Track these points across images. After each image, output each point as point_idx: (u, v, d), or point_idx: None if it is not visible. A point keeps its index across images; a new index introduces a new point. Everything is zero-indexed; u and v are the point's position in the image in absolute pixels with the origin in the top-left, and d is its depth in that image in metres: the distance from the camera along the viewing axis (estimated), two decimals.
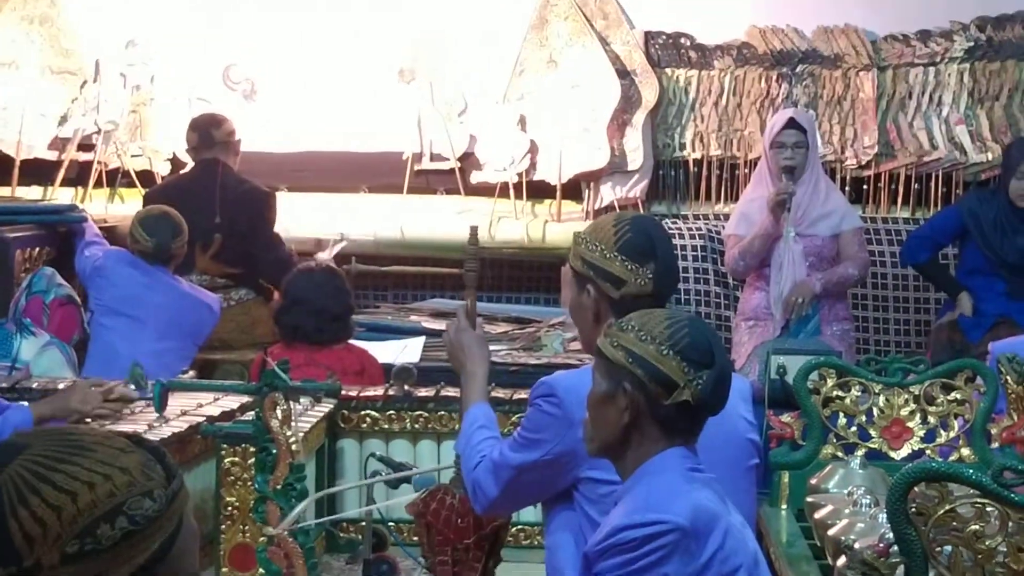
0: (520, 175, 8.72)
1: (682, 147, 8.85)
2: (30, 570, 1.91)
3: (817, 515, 4.21)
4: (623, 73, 8.77)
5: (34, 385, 5.30)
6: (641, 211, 8.43)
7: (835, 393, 4.82)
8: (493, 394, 4.93)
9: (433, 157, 8.89)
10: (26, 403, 4.70)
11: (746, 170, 8.62)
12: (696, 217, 8.63)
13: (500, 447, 3.62)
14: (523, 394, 4.93)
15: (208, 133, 7.57)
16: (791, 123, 7.05)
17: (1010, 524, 2.92)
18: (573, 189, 8.81)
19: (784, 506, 4.75)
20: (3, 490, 1.91)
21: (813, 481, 4.56)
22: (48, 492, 1.92)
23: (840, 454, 4.78)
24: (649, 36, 8.97)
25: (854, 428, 4.83)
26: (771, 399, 5.90)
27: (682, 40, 8.97)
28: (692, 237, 8.26)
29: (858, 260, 7.13)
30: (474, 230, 4.11)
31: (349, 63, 9.02)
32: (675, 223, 8.37)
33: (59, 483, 1.92)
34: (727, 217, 7.80)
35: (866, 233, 7.71)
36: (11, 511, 1.91)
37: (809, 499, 4.42)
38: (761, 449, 3.73)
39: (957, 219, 7.36)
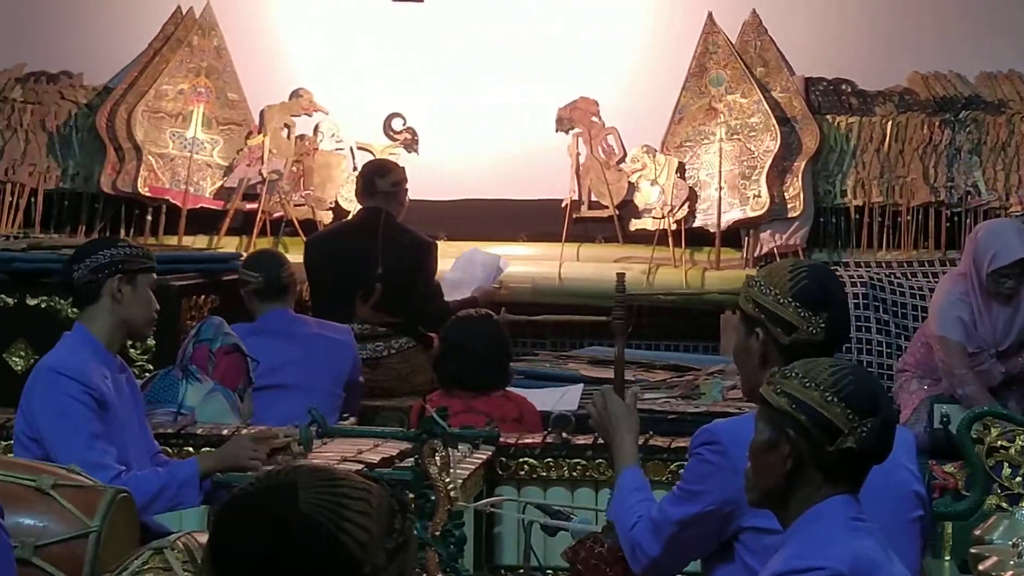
0: (679, 223, 8.70)
1: (843, 194, 8.78)
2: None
3: (981, 567, 4.14)
4: (783, 120, 8.73)
5: (199, 431, 5.37)
6: (801, 258, 8.37)
7: (999, 443, 4.75)
8: (652, 442, 4.92)
9: (591, 205, 8.91)
10: (194, 457, 4.77)
11: (908, 217, 8.53)
12: (858, 264, 8.54)
13: (659, 504, 3.61)
14: (682, 442, 4.90)
15: (371, 181, 7.57)
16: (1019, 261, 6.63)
17: None
18: (732, 236, 8.78)
19: (947, 557, 4.68)
20: (317, 516, 2.07)
21: (977, 532, 4.49)
22: (349, 503, 2.08)
23: (1005, 505, 4.70)
24: (809, 82, 8.92)
25: (1019, 478, 4.75)
26: (934, 449, 5.81)
27: (843, 86, 8.91)
28: (854, 285, 8.16)
29: None
30: (621, 278, 4.09)
31: (507, 111, 9.09)
32: (836, 270, 8.28)
33: (351, 494, 2.09)
34: (888, 265, 7.71)
35: None
36: (337, 528, 2.07)
37: (973, 550, 4.35)
38: (927, 501, 3.67)
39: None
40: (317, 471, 2.15)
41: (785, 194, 8.71)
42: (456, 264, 8.11)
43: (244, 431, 5.25)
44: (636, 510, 3.65)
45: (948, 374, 6.69)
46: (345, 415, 6.06)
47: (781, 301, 3.56)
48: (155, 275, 4.84)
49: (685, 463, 3.74)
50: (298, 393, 6.24)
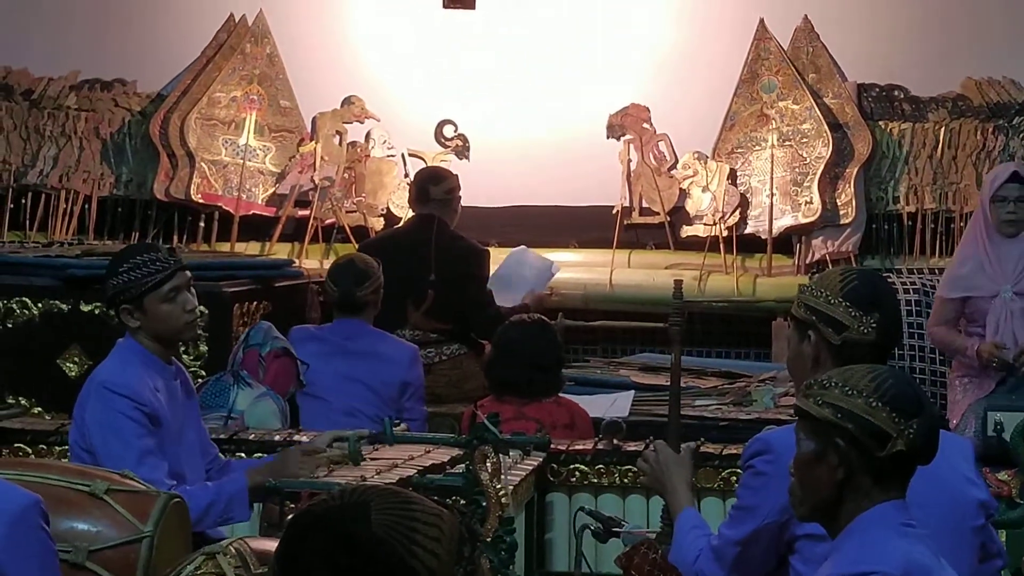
0: (730, 229, 8.69)
1: (896, 200, 8.75)
2: None
3: None
4: (835, 126, 8.70)
5: (251, 436, 5.40)
6: (854, 264, 8.34)
7: None
8: (703, 449, 4.91)
9: (643, 211, 8.91)
10: (243, 472, 4.73)
11: (962, 223, 8.48)
12: (911, 271, 8.50)
13: (718, 531, 3.61)
14: (733, 449, 4.90)
15: (425, 189, 7.58)
16: (1014, 176, 6.89)
17: None
18: (784, 243, 8.75)
19: None
20: (388, 540, 2.08)
21: None
22: (421, 528, 2.10)
23: None
24: (862, 88, 8.89)
25: None
26: (987, 456, 5.77)
27: (896, 92, 8.87)
28: (906, 291, 8.12)
29: None
30: (679, 284, 4.10)
31: (559, 118, 9.09)
32: (889, 277, 8.24)
33: (423, 519, 2.11)
34: (942, 271, 7.67)
35: None
36: (408, 552, 2.08)
37: None
38: (992, 506, 3.64)
39: None
40: (391, 493, 2.16)
41: (837, 200, 8.68)
42: (506, 262, 8.06)
43: (297, 437, 5.27)
44: (696, 544, 3.66)
45: (930, 330, 7.06)
46: (397, 421, 6.06)
47: (832, 301, 3.58)
48: (180, 279, 4.68)
49: (737, 470, 3.74)
50: (335, 411, 6.19)
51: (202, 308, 5.70)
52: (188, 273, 4.74)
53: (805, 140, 8.71)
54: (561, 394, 6.14)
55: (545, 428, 5.28)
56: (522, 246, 8.24)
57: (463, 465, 4.13)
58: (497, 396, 5.98)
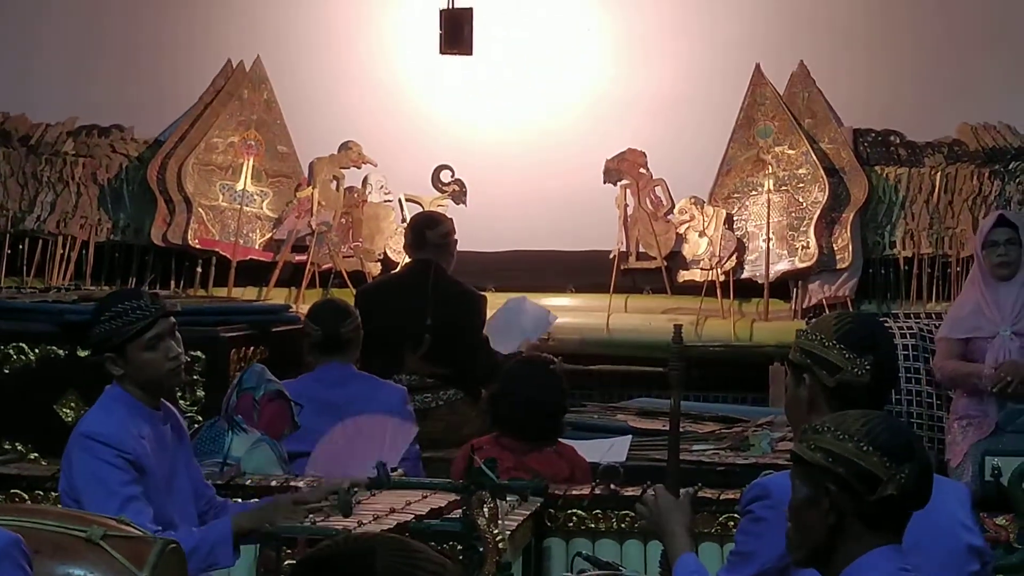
0: (727, 274, 8.70)
1: (892, 245, 8.76)
2: None
3: None
4: (831, 171, 8.72)
5: (247, 482, 5.38)
6: (850, 309, 8.35)
7: None
8: (701, 494, 4.90)
9: (639, 256, 8.92)
10: (229, 517, 4.70)
11: (958, 268, 8.50)
12: (907, 316, 8.49)
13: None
14: (731, 494, 4.89)
15: (421, 234, 7.56)
16: (1001, 220, 6.96)
17: None
18: (781, 288, 8.76)
19: None
20: None
21: None
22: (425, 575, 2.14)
23: None
24: (858, 134, 8.92)
25: None
26: (985, 501, 5.76)
27: (891, 138, 8.90)
28: (903, 336, 8.11)
29: None
30: (678, 329, 4.10)
31: (555, 163, 9.11)
32: (885, 321, 8.24)
33: (426, 567, 2.15)
34: (939, 316, 7.69)
35: None
36: None
37: None
38: (988, 554, 3.63)
39: None
40: (395, 540, 2.18)
41: (834, 245, 8.70)
42: (504, 310, 8.04)
43: (294, 483, 5.25)
44: None
45: (936, 369, 7.07)
46: (394, 468, 6.03)
47: (826, 344, 3.58)
48: (162, 326, 4.61)
49: (734, 515, 3.73)
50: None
51: (198, 354, 5.67)
52: (172, 320, 4.68)
53: (801, 185, 8.74)
54: (561, 439, 6.10)
55: (541, 476, 5.25)
56: (521, 295, 8.24)
57: (460, 510, 4.13)
58: (496, 438, 5.92)
